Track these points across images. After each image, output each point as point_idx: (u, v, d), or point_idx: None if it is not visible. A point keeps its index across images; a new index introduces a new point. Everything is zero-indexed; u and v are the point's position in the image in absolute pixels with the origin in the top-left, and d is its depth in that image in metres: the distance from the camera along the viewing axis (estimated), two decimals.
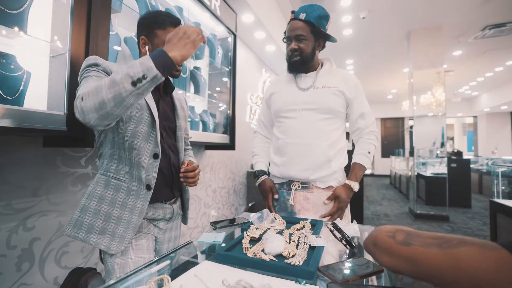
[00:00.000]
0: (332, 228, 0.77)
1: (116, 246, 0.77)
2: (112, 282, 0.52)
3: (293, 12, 1.14)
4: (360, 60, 6.02)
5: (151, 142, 0.86)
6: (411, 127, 4.61)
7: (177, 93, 1.15)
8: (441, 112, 4.39)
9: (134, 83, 0.63)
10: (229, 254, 0.59)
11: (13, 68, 0.98)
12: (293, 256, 0.60)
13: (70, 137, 1.07)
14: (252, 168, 3.60)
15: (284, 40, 1.18)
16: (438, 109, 4.41)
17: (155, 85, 0.66)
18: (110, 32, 1.35)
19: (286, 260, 0.56)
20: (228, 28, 2.39)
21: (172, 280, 0.49)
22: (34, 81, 1.05)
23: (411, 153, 4.66)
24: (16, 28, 0.96)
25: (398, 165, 7.69)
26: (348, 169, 1.18)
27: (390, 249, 0.42)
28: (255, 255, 0.59)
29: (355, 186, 1.09)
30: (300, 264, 0.54)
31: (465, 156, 6.62)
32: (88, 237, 0.79)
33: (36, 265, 1.15)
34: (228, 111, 2.55)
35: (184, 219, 1.05)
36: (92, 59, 0.82)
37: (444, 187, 4.29)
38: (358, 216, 3.07)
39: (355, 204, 2.93)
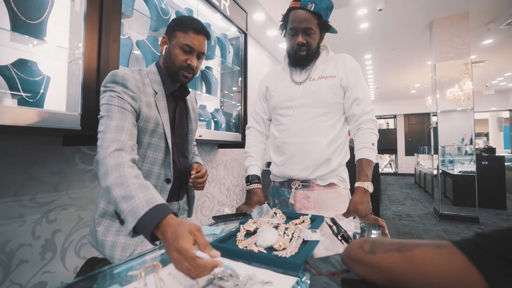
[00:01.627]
0: (331, 224, 0.77)
1: (119, 255, 0.82)
2: (107, 267, 0.56)
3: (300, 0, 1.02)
4: (379, 54, 5.80)
5: (167, 167, 0.90)
6: (436, 123, 4.35)
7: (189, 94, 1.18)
8: (470, 106, 4.11)
9: (116, 213, 0.69)
10: (220, 245, 0.60)
11: (34, 73, 1.07)
12: (284, 249, 0.60)
13: (86, 136, 1.14)
14: (267, 166, 3.60)
15: (284, 28, 1.10)
16: (467, 103, 4.13)
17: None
18: (123, 36, 1.42)
19: (274, 252, 0.57)
20: (238, 27, 2.42)
21: (163, 267, 0.52)
22: (53, 85, 1.14)
23: (436, 151, 4.41)
24: (36, 37, 1.05)
25: (423, 163, 7.31)
26: (350, 164, 1.10)
27: (360, 259, 0.44)
28: (246, 247, 0.60)
29: (369, 187, 0.95)
30: (287, 256, 0.55)
31: (500, 154, 6.15)
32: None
33: (58, 254, 1.25)
34: (240, 109, 2.57)
35: (189, 213, 1.09)
36: (120, 77, 0.79)
37: (473, 187, 4.01)
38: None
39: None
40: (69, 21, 1.18)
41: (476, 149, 5.00)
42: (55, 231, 1.24)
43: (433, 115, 4.52)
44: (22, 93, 1.02)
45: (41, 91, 1.08)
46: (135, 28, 1.62)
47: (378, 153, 11.54)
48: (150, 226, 0.51)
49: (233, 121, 2.66)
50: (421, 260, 0.38)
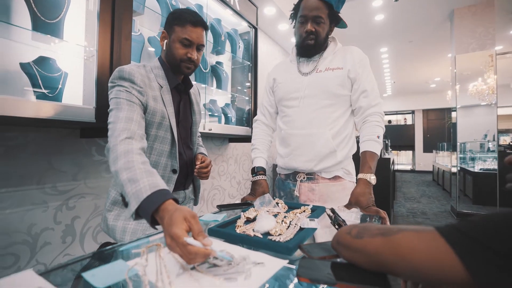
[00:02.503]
0: (330, 213, 0.78)
1: (128, 239, 0.87)
2: (115, 245, 0.61)
3: None
4: (396, 47, 5.60)
5: (173, 158, 0.94)
6: (456, 119, 4.16)
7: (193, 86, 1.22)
8: (494, 101, 3.91)
9: (121, 196, 0.77)
10: (219, 229, 0.64)
11: (53, 69, 1.15)
12: (280, 235, 0.62)
13: (101, 129, 1.21)
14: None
15: (294, 18, 1.10)
16: (492, 97, 3.92)
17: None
18: (135, 33, 1.48)
19: (269, 237, 0.60)
20: (248, 22, 2.43)
21: (164, 247, 0.56)
22: (70, 80, 1.21)
23: (454, 148, 4.24)
24: (54, 35, 1.12)
25: (442, 160, 7.04)
26: (355, 157, 1.10)
27: (347, 243, 0.45)
28: (244, 232, 0.63)
29: (372, 179, 0.94)
30: (281, 241, 0.57)
31: None
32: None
33: (77, 239, 1.34)
34: (251, 104, 2.59)
35: (195, 202, 1.13)
36: (127, 73, 0.83)
37: (494, 185, 3.84)
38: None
39: (380, 199, 2.73)
40: (84, 19, 1.25)
41: (500, 145, 4.75)
42: (74, 218, 1.33)
43: (453, 111, 4.32)
44: (42, 89, 1.10)
45: (59, 86, 1.15)
46: (147, 24, 1.68)
47: (395, 149, 11.24)
48: (150, 210, 0.54)
49: (244, 115, 2.69)
50: (403, 244, 0.39)
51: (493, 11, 3.74)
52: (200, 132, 1.44)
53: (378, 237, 0.42)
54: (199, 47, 0.94)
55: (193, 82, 1.97)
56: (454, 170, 4.37)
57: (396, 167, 11.06)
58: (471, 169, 4.44)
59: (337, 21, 1.09)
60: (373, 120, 1.04)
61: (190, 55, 0.91)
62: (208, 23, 2.03)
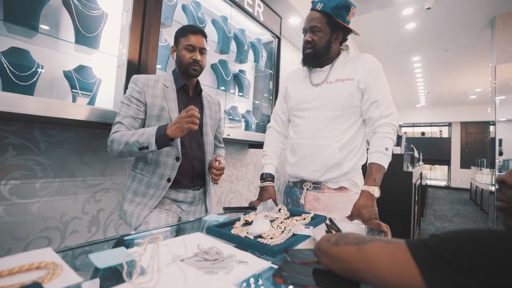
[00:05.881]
0: (328, 222, 0.79)
1: (134, 222, 1.02)
2: (119, 235, 0.68)
3: (312, 1, 1.10)
4: (430, 56, 5.32)
5: (175, 148, 1.08)
6: (495, 133, 3.82)
7: (211, 95, 1.32)
8: None
9: (139, 148, 0.94)
10: (215, 228, 0.69)
11: (89, 76, 1.30)
12: (271, 238, 0.66)
13: None
14: None
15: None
16: None
17: (154, 152, 1.01)
18: (163, 43, 1.61)
19: (260, 239, 0.63)
20: (272, 32, 2.50)
21: (163, 240, 0.62)
22: (103, 86, 1.36)
23: (492, 165, 3.89)
24: (92, 47, 1.27)
25: (481, 178, 6.46)
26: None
27: (325, 250, 0.47)
28: (238, 234, 0.68)
29: (375, 192, 0.93)
30: (270, 244, 0.60)
31: None
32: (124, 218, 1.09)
33: (101, 230, 1.48)
34: (271, 111, 2.64)
35: (206, 204, 1.20)
36: (134, 79, 1.09)
37: None
38: (402, 235, 2.71)
39: (397, 215, 2.56)
40: (119, 32, 1.40)
41: None
42: (100, 210, 1.47)
43: (491, 124, 3.98)
44: (79, 93, 1.25)
45: (94, 91, 1.30)
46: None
47: (428, 163, 10.52)
48: (163, 131, 0.92)
49: (265, 122, 2.74)
50: (372, 253, 0.41)
51: None
52: None
53: (351, 245, 0.44)
54: (202, 50, 1.12)
55: (214, 90, 2.08)
56: (492, 188, 4.00)
57: (429, 182, 10.34)
58: None
59: (341, 28, 1.08)
60: (383, 131, 1.02)
61: (194, 57, 1.09)
62: (232, 33, 2.14)
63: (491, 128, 4.00)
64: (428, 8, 3.31)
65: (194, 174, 1.12)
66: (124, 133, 0.98)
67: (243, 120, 2.46)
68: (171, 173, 1.06)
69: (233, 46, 2.25)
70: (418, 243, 0.38)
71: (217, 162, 1.12)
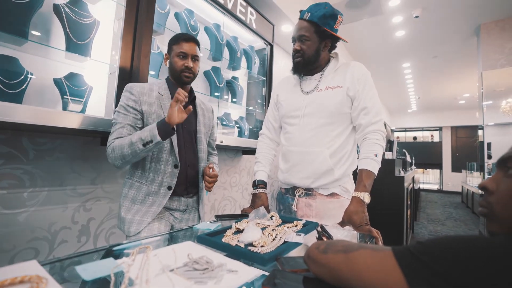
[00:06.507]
0: (319, 229, 0.80)
1: (134, 229, 0.99)
2: (109, 245, 0.67)
3: (300, 11, 1.12)
4: (419, 63, 5.45)
5: (173, 155, 1.08)
6: (483, 137, 3.92)
7: (204, 103, 1.32)
8: None
9: (144, 145, 0.94)
10: (206, 237, 0.68)
11: (80, 84, 1.29)
12: (262, 246, 0.65)
13: None
14: None
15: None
16: None
17: (159, 145, 1.00)
18: (156, 51, 1.62)
19: (250, 248, 0.63)
20: (264, 39, 2.53)
21: (153, 250, 0.62)
22: (95, 94, 1.35)
23: (481, 168, 3.97)
24: (83, 54, 1.26)
25: (471, 181, 6.58)
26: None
27: (314, 258, 0.47)
28: (228, 242, 0.67)
29: (366, 198, 0.94)
30: (261, 252, 0.60)
31: None
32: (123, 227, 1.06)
33: (91, 239, 1.45)
34: (264, 118, 2.65)
35: (199, 212, 1.19)
36: (129, 87, 1.08)
37: None
38: (395, 240, 2.71)
39: (390, 220, 2.57)
40: (111, 40, 1.40)
41: None
42: (90, 219, 1.44)
43: (479, 129, 4.08)
44: (69, 101, 1.24)
45: (84, 99, 1.29)
46: (166, 43, 1.82)
47: (421, 167, 10.66)
48: (164, 122, 0.94)
49: (258, 128, 2.75)
50: (359, 261, 0.41)
51: None
52: None
53: (340, 253, 0.45)
54: (194, 57, 1.13)
55: (207, 97, 2.09)
56: (483, 192, 4.07)
57: (422, 186, 10.46)
58: None
59: (329, 37, 1.10)
60: (373, 137, 1.03)
61: (187, 64, 1.10)
62: (224, 41, 2.16)
63: (480, 132, 4.10)
64: (416, 17, 3.41)
65: (188, 182, 1.12)
66: (123, 138, 0.98)
67: (236, 126, 2.46)
68: (170, 181, 1.07)
69: (226, 53, 2.27)
70: (403, 250, 0.39)
71: (211, 169, 1.11)
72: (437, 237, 0.38)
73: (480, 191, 4.05)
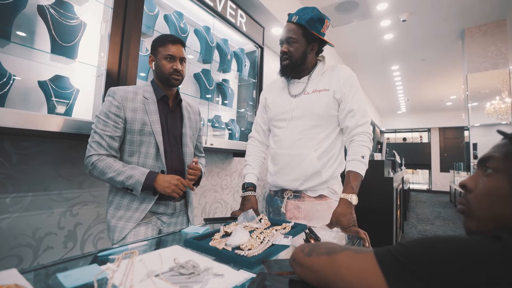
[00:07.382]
0: (307, 231, 0.80)
1: (117, 235, 0.98)
2: (95, 251, 0.66)
3: (289, 14, 1.13)
4: (407, 65, 5.58)
5: (159, 161, 1.07)
6: (469, 138, 4.04)
7: (191, 105, 1.31)
8: (508, 120, 3.78)
9: (123, 187, 0.97)
10: (193, 241, 0.68)
11: (66, 86, 1.27)
12: (250, 249, 0.66)
13: None
14: None
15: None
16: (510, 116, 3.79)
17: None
18: (145, 53, 1.60)
19: (237, 251, 0.63)
20: (255, 42, 2.54)
21: (139, 255, 0.61)
22: (81, 96, 1.33)
23: (468, 168, 4.09)
24: (70, 57, 1.24)
25: (458, 181, 6.74)
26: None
27: (299, 260, 0.47)
28: (215, 246, 0.67)
29: (353, 199, 0.95)
30: (248, 255, 0.60)
31: None
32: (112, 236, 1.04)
33: (78, 245, 1.41)
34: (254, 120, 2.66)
35: (187, 216, 1.18)
36: (112, 92, 1.04)
37: None
38: (386, 240, 2.76)
39: (380, 220, 2.61)
40: (98, 42, 1.38)
41: None
42: (77, 224, 1.41)
43: (465, 130, 4.20)
44: (55, 104, 1.21)
45: (70, 101, 1.26)
46: None
47: (410, 168, 10.87)
48: (151, 183, 0.96)
49: (248, 131, 2.75)
50: (342, 263, 0.41)
51: (505, 31, 3.69)
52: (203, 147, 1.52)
53: (323, 255, 0.45)
54: (182, 60, 1.12)
55: (197, 99, 2.08)
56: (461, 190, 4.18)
57: (412, 186, 10.67)
58: None
59: (316, 40, 1.11)
60: (359, 139, 1.05)
61: (175, 67, 1.08)
62: (214, 43, 2.16)
63: (466, 133, 4.22)
64: (404, 21, 3.50)
65: None
66: (110, 165, 0.97)
67: (227, 129, 2.46)
68: None
69: (216, 55, 2.27)
70: (384, 252, 0.40)
71: (194, 162, 1.09)
72: (417, 238, 0.39)
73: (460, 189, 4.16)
